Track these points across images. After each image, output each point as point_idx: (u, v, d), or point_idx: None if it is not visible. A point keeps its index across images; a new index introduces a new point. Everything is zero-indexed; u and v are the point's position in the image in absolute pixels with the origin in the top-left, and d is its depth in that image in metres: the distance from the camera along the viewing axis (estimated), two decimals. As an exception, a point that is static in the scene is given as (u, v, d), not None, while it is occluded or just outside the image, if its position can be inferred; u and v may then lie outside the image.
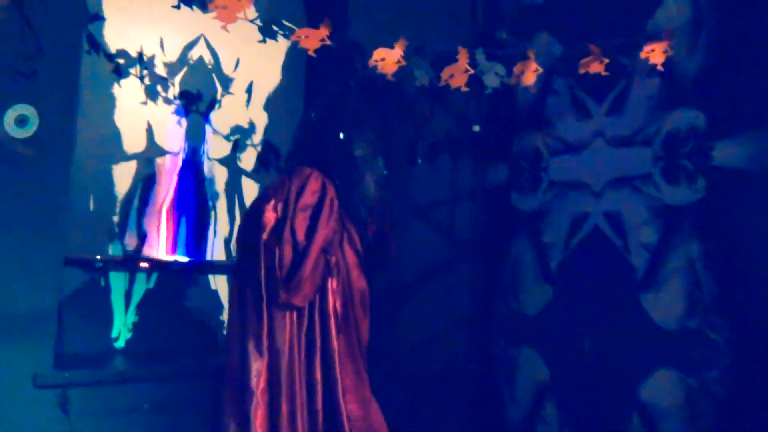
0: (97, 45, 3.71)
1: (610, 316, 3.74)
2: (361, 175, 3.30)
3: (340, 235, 3.06)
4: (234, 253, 4.20)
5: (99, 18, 3.75)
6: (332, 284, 2.98)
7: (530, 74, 3.46)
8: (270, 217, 2.96)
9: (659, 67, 3.40)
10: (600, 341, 3.77)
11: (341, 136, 3.27)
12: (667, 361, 3.50)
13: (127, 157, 3.93)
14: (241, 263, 3.08)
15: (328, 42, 3.14)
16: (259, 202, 3.07)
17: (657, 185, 3.62)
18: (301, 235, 2.94)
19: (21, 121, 3.11)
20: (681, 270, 3.49)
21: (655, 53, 3.39)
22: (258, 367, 2.84)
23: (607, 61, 3.41)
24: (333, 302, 2.97)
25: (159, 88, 4.00)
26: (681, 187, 3.53)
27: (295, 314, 2.92)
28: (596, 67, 3.43)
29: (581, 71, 3.45)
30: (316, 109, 3.39)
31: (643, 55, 3.39)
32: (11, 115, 3.08)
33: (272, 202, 2.99)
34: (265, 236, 2.93)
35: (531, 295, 4.17)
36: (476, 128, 4.42)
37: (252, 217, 3.05)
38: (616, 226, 3.77)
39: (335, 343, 2.93)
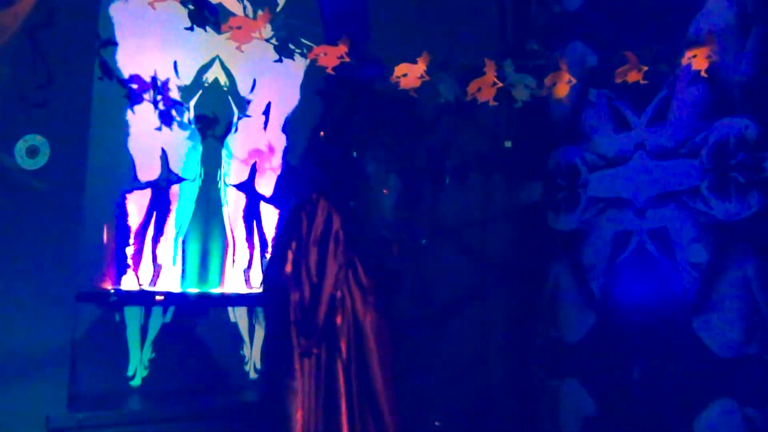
0: (109, 71, 3.80)
1: (659, 342, 3.67)
2: (375, 193, 3.31)
3: (346, 269, 3.11)
4: (256, 287, 4.23)
5: (111, 43, 3.86)
6: (337, 320, 3.03)
7: (563, 85, 3.46)
8: (290, 258, 3.06)
9: (703, 74, 3.38)
10: (650, 370, 3.69)
11: (354, 154, 3.30)
12: (725, 391, 3.40)
13: (141, 186, 4.00)
14: (268, 309, 3.18)
15: (347, 59, 3.16)
16: (281, 241, 3.15)
17: (705, 200, 3.55)
18: (314, 274, 3.02)
19: (32, 152, 3.16)
20: (736, 291, 3.41)
21: (697, 59, 3.37)
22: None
23: (645, 68, 3.39)
24: (338, 341, 3.01)
25: (173, 112, 4.05)
26: (732, 202, 3.46)
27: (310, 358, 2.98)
28: (634, 76, 3.41)
29: (618, 80, 3.45)
30: (325, 129, 3.41)
31: (684, 61, 3.38)
32: (22, 146, 3.14)
33: (291, 242, 3.07)
34: (286, 280, 3.02)
35: (572, 322, 4.11)
36: (507, 144, 4.40)
37: (274, 259, 3.14)
38: (662, 245, 3.71)
39: (341, 385, 2.96)
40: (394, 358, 3.19)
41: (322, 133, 3.42)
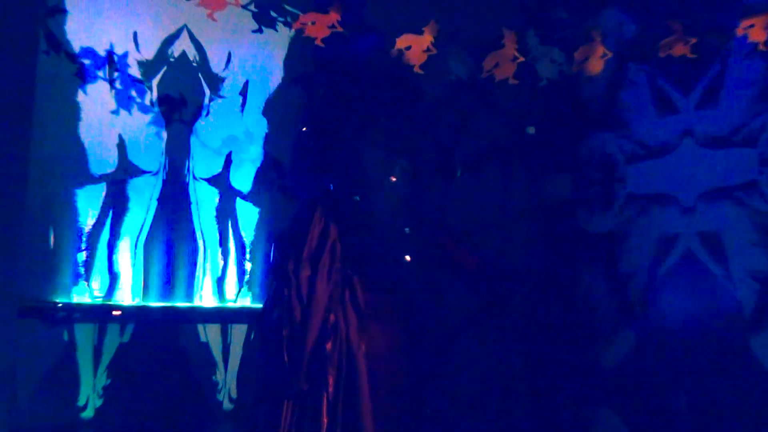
0: (57, 43, 3.76)
1: (710, 366, 3.63)
2: (380, 183, 3.34)
3: (342, 288, 3.10)
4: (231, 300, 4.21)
5: (60, 11, 3.80)
6: (328, 348, 3.01)
7: (596, 60, 3.49)
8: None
9: (761, 47, 3.33)
10: (699, 397, 3.68)
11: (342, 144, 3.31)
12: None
13: (95, 180, 3.93)
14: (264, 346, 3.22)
15: (339, 28, 3.17)
16: (279, 261, 3.16)
17: (765, 196, 3.52)
18: (305, 295, 3.03)
19: (-35, 141, 3.15)
20: (801, 304, 3.40)
21: (755, 29, 3.35)
22: None
23: (693, 41, 3.40)
24: (326, 375, 3.00)
25: (133, 92, 4.02)
26: (797, 198, 3.46)
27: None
28: (680, 50, 3.42)
29: (662, 54, 3.45)
30: (308, 123, 3.44)
31: (739, 32, 3.34)
32: (-47, 133, 3.12)
33: (289, 261, 3.09)
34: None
35: (607, 341, 4.09)
36: (531, 130, 4.39)
37: (271, 299, 3.18)
38: (714, 250, 3.69)
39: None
40: (399, 400, 3.16)
41: (304, 128, 3.44)
